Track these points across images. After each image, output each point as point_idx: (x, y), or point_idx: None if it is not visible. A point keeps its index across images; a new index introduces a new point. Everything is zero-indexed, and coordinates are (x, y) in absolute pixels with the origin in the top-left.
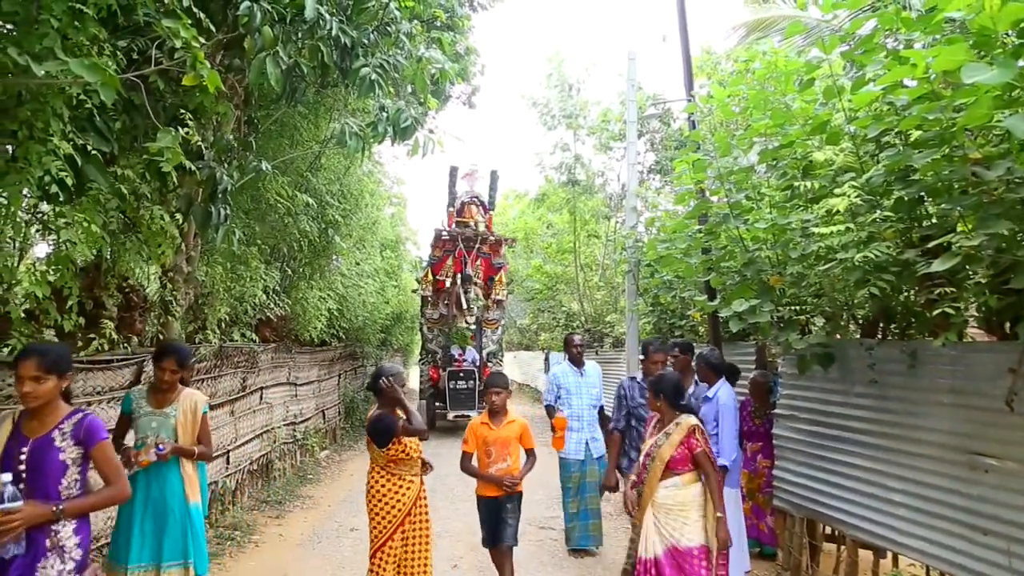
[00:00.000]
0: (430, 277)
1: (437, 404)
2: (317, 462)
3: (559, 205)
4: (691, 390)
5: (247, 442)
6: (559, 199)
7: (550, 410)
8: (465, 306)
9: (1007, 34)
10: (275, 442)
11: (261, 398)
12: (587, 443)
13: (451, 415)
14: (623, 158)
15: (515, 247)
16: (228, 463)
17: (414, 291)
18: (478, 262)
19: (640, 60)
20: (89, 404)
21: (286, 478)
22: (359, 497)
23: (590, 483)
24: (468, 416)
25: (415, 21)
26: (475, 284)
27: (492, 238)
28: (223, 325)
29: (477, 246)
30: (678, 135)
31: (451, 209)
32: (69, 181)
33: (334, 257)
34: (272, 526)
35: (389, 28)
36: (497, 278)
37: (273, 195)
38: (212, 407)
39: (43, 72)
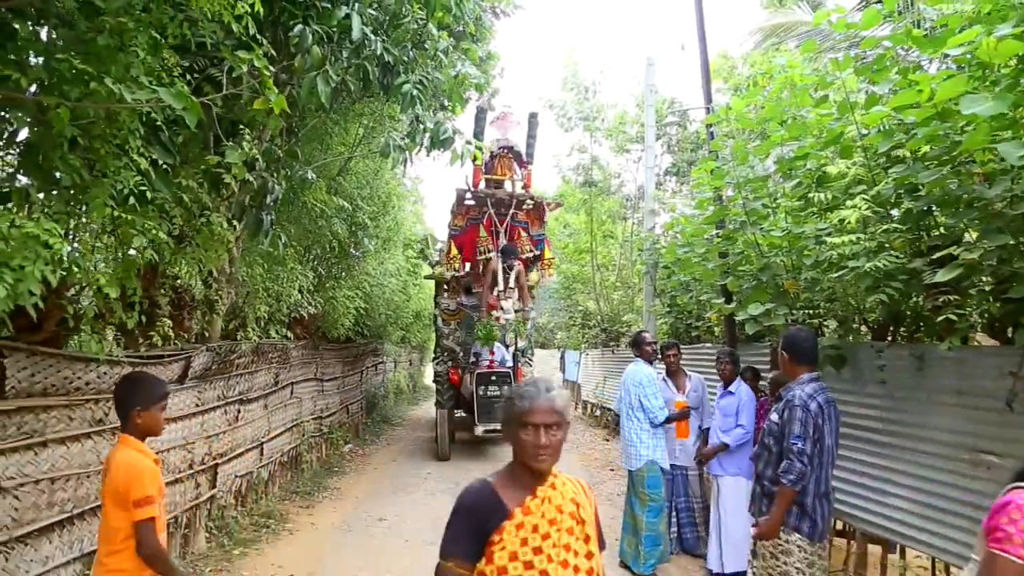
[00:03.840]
0: (454, 252)
1: (459, 414)
2: (342, 455)
3: (576, 206)
4: (688, 386)
5: (279, 435)
6: (576, 200)
7: (673, 418)
8: (502, 288)
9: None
10: (304, 435)
11: (291, 393)
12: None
13: (479, 430)
14: (639, 160)
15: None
16: (262, 454)
17: (427, 277)
18: (514, 234)
19: (656, 62)
20: None
21: (313, 470)
22: (384, 490)
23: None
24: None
25: (443, 31)
26: (519, 259)
27: (531, 201)
28: (261, 323)
29: (512, 212)
30: (694, 137)
31: (477, 163)
32: (149, 195)
33: (359, 254)
34: (303, 515)
35: (426, 45)
36: (540, 258)
37: (310, 199)
38: (248, 400)
39: (131, 98)
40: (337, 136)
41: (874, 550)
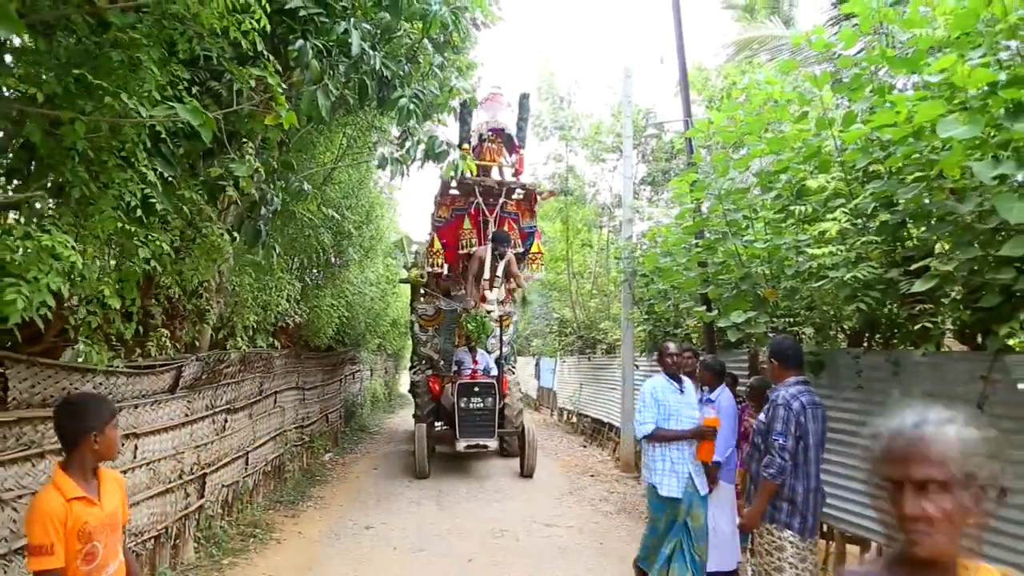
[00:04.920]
0: (437, 247)
1: (439, 426)
2: (323, 464)
3: (552, 214)
4: (698, 395)
5: (263, 444)
6: (552, 208)
7: (661, 433)
8: (488, 276)
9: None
10: (286, 444)
11: (275, 402)
12: (691, 477)
13: (461, 445)
14: (615, 169)
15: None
16: (247, 464)
17: (403, 281)
18: (503, 226)
19: (632, 73)
20: (136, 407)
21: (296, 479)
22: (368, 498)
23: (696, 528)
24: (485, 447)
25: (428, 42)
26: (510, 248)
27: (522, 190)
28: (249, 332)
29: (501, 201)
30: (669, 147)
31: (464, 147)
32: (159, 207)
33: (340, 262)
34: (289, 524)
35: (419, 59)
36: (530, 251)
37: (301, 210)
38: (235, 409)
39: (147, 114)
40: (321, 146)
41: (852, 549)
